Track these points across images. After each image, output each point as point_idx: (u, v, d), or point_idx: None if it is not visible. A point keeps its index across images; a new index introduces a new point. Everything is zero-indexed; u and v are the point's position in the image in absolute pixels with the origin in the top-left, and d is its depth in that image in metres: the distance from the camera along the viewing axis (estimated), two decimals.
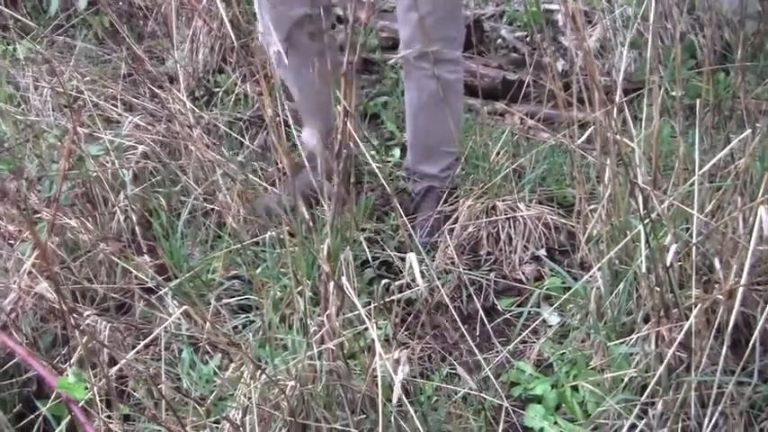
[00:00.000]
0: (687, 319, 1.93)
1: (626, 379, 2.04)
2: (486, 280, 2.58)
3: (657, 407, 1.95)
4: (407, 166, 2.95)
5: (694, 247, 2.00)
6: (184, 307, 1.98)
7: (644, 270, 1.93)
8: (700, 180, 2.03)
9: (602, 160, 2.09)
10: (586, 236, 2.25)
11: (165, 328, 2.24)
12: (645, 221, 1.91)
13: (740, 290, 1.88)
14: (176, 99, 3.22)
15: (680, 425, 1.94)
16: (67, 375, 0.88)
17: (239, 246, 2.48)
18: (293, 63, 2.74)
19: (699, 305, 1.90)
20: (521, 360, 2.32)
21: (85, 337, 1.90)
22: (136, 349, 2.14)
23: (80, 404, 0.86)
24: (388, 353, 1.72)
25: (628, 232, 2.13)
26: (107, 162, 2.87)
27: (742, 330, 2.03)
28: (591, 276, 2.22)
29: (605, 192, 2.15)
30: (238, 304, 2.48)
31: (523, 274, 2.61)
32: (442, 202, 2.80)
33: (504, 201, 2.71)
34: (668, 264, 1.90)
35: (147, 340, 2.09)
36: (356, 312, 1.89)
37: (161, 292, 2.37)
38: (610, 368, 2.07)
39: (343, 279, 1.75)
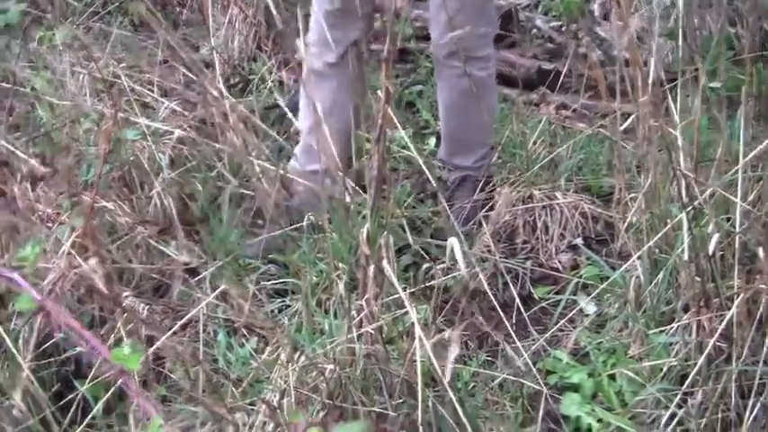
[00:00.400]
0: (728, 309, 1.92)
1: (665, 368, 2.02)
2: (523, 268, 2.57)
3: (697, 397, 1.94)
4: (442, 157, 2.94)
5: (737, 237, 1.98)
6: (223, 287, 1.98)
7: (686, 258, 1.91)
8: (743, 168, 2.02)
9: (645, 148, 2.07)
10: (626, 224, 2.23)
11: (202, 310, 2.25)
12: (687, 209, 1.89)
13: None
14: (212, 85, 3.23)
15: (719, 416, 1.93)
16: (122, 347, 0.88)
17: (277, 232, 2.48)
18: (334, 83, 2.72)
19: (741, 295, 1.88)
20: (557, 349, 2.31)
21: (125, 315, 1.92)
22: (173, 329, 2.15)
23: (132, 376, 0.87)
24: (426, 337, 1.72)
25: (668, 221, 2.12)
26: (143, 147, 2.89)
27: None
28: (629, 265, 2.21)
29: (646, 180, 2.13)
30: (274, 289, 2.49)
31: (560, 262, 2.60)
32: (477, 190, 2.79)
33: (540, 189, 2.70)
34: (710, 252, 1.89)
35: (185, 320, 2.10)
36: (394, 297, 1.89)
37: (201, 275, 2.37)
38: (648, 357, 2.06)
39: (384, 263, 1.75)
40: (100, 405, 2.05)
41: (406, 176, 3.02)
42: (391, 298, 1.89)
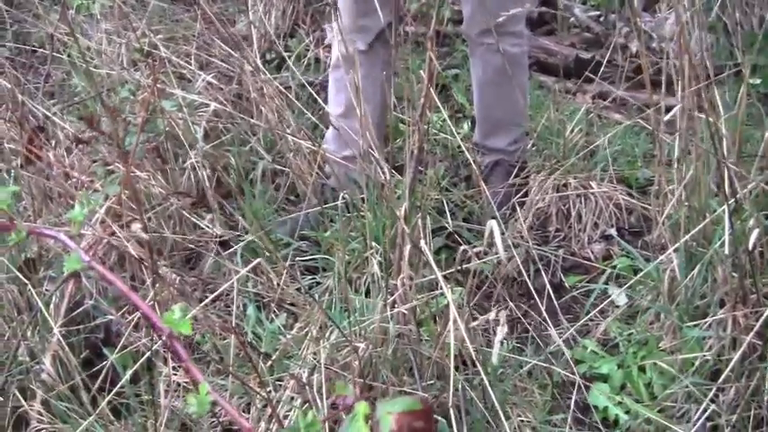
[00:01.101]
0: (765, 306, 1.90)
1: (697, 363, 2.01)
2: (555, 256, 2.56)
3: (729, 393, 1.92)
4: (476, 140, 2.93)
5: None
6: (259, 260, 1.98)
7: (725, 252, 1.89)
8: None
9: (688, 139, 2.05)
10: (664, 216, 2.21)
11: (234, 283, 2.25)
12: (728, 202, 1.87)
13: None
14: (249, 60, 3.22)
15: (752, 413, 1.91)
16: (172, 311, 0.87)
17: (312, 210, 2.48)
18: (364, 70, 2.60)
19: None
20: (586, 338, 2.30)
21: (157, 284, 1.92)
22: (204, 302, 2.15)
23: (181, 340, 0.87)
24: (461, 320, 1.71)
25: (707, 214, 2.09)
26: (179, 118, 2.89)
27: None
28: (665, 258, 2.19)
29: (687, 172, 2.11)
30: (305, 266, 2.49)
31: (592, 252, 2.58)
32: (512, 176, 2.77)
33: (576, 178, 2.68)
34: (750, 248, 1.86)
35: (217, 293, 2.10)
36: (429, 278, 1.88)
37: (233, 248, 2.37)
38: (680, 351, 2.04)
39: (421, 242, 1.74)
40: (129, 374, 2.06)
41: (440, 160, 3.00)
42: (426, 279, 1.88)
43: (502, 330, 1.48)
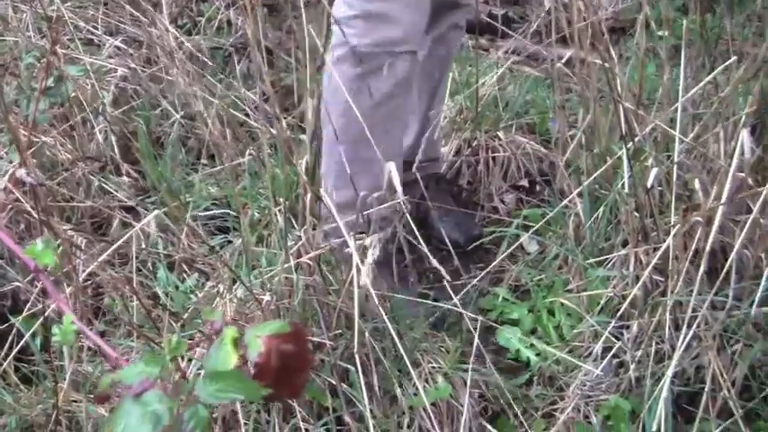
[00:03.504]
0: (665, 242, 1.93)
1: (602, 302, 2.04)
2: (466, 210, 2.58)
3: (632, 329, 1.96)
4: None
5: (675, 172, 2.00)
6: (156, 213, 1.95)
7: (626, 190, 1.92)
8: (683, 106, 2.03)
9: (585, 84, 2.07)
10: (564, 162, 2.24)
11: (141, 245, 2.23)
12: (627, 145, 1.90)
13: (718, 214, 1.88)
14: (158, 24, 3.18)
15: (653, 348, 1.95)
16: (35, 243, 0.86)
17: (218, 168, 2.46)
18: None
19: (677, 228, 1.90)
20: (498, 287, 2.32)
21: (60, 247, 1.89)
22: (104, 254, 2.11)
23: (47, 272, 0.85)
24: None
25: (608, 158, 2.13)
26: (87, 84, 2.84)
27: (718, 257, 2.03)
28: (570, 203, 2.22)
29: (586, 117, 2.14)
30: (216, 226, 2.47)
31: (503, 202, 2.60)
32: None
33: (486, 132, 2.70)
34: (649, 185, 1.90)
35: (121, 253, 2.07)
36: (332, 225, 1.88)
37: (144, 212, 2.34)
38: (586, 291, 2.08)
39: (322, 191, 1.74)
40: (38, 342, 2.04)
41: None
42: (330, 226, 1.88)
43: (372, 253, 1.49)
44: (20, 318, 2.06)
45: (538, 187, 2.64)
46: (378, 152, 1.74)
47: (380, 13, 1.99)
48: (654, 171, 1.92)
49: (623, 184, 1.99)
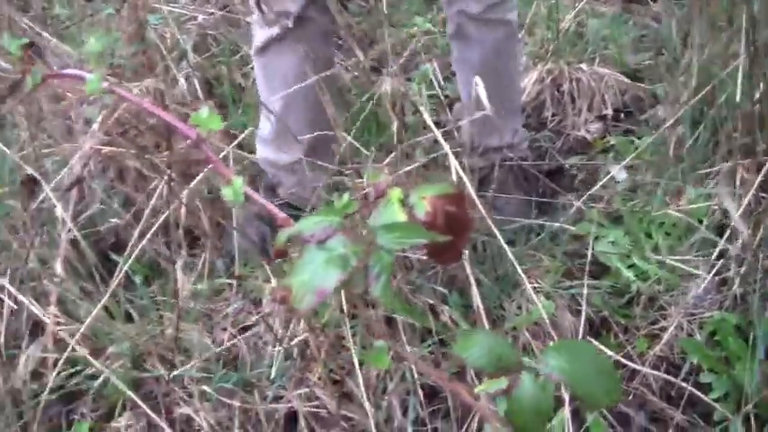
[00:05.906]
0: None
1: (705, 221, 2.03)
2: (552, 140, 2.57)
3: (736, 244, 1.94)
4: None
5: None
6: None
7: (737, 99, 1.88)
8: None
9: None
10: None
11: None
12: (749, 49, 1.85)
13: None
14: None
15: (759, 264, 1.93)
16: (199, 111, 0.87)
17: None
18: (295, 47, 2.13)
19: None
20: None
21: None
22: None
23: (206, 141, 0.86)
24: None
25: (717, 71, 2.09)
26: (166, 33, 2.87)
27: None
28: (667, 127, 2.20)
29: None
30: None
31: (589, 132, 2.59)
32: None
33: (568, 63, 2.68)
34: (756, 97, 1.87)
35: None
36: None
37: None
38: (689, 206, 2.06)
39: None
40: (140, 279, 2.08)
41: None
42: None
43: None
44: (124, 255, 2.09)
45: (622, 115, 2.62)
46: None
47: None
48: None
49: (726, 99, 1.96)
